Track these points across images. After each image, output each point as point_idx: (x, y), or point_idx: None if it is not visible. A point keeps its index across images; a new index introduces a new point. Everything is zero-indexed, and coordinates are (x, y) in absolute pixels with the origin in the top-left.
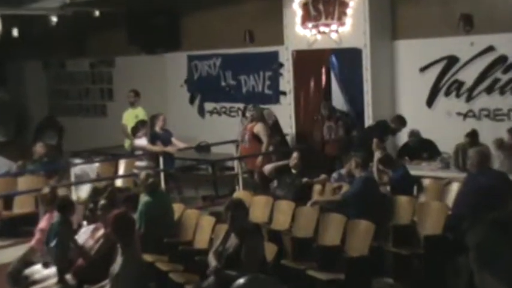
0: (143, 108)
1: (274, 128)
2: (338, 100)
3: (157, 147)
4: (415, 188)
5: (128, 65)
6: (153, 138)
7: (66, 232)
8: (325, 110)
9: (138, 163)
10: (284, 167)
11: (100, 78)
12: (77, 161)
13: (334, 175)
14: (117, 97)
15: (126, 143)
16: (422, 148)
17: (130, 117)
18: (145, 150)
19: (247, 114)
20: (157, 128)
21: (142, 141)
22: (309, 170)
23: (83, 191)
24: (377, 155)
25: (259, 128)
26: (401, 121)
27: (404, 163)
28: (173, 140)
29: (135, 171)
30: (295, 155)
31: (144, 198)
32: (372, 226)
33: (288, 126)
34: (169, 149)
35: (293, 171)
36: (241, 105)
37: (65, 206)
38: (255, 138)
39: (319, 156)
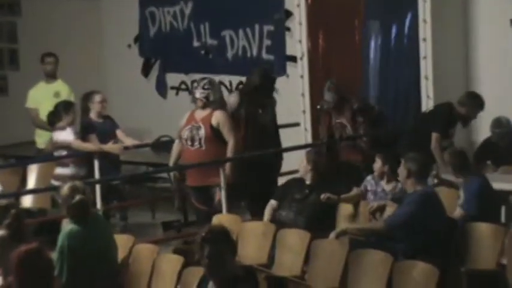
0: (65, 83)
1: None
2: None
3: (92, 145)
4: (503, 210)
5: (42, 12)
6: (86, 131)
7: None
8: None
9: (60, 170)
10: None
11: None
12: None
13: (369, 178)
14: (25, 64)
15: (40, 139)
16: None
17: (45, 96)
18: (71, 150)
19: (198, 94)
20: (93, 115)
21: (66, 135)
22: (333, 180)
23: None
24: (438, 156)
25: (220, 118)
26: (474, 102)
27: (484, 170)
28: (118, 133)
29: (55, 183)
30: (308, 155)
31: (67, 226)
32: (435, 271)
33: (300, 110)
34: (110, 147)
35: (306, 181)
36: (225, 78)
37: None
38: (216, 135)
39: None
